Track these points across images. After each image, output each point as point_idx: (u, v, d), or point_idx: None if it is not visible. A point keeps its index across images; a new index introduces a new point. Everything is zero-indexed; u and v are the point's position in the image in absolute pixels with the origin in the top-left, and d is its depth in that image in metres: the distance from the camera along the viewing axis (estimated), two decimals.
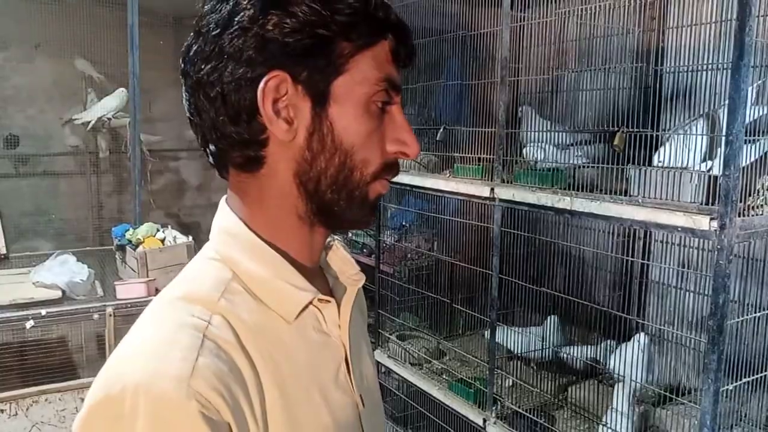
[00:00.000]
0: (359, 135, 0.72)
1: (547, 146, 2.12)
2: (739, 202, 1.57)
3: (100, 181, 4.67)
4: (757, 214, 1.63)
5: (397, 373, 2.75)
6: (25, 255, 3.34)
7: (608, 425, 1.97)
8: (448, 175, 2.45)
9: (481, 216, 2.40)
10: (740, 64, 1.51)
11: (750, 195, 1.69)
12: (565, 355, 2.52)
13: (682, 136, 1.80)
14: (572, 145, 2.23)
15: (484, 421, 2.32)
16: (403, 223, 3.05)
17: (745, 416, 1.99)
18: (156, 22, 4.52)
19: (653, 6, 2.25)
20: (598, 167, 1.94)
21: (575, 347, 2.52)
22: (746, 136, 1.56)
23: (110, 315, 2.60)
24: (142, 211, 3.86)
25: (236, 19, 0.69)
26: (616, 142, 1.83)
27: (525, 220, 2.27)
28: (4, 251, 3.18)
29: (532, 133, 2.25)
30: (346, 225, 0.81)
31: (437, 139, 2.45)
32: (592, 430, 2.16)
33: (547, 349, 2.52)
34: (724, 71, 1.76)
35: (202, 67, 0.71)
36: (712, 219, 1.58)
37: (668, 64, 2.26)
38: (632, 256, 2.52)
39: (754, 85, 1.67)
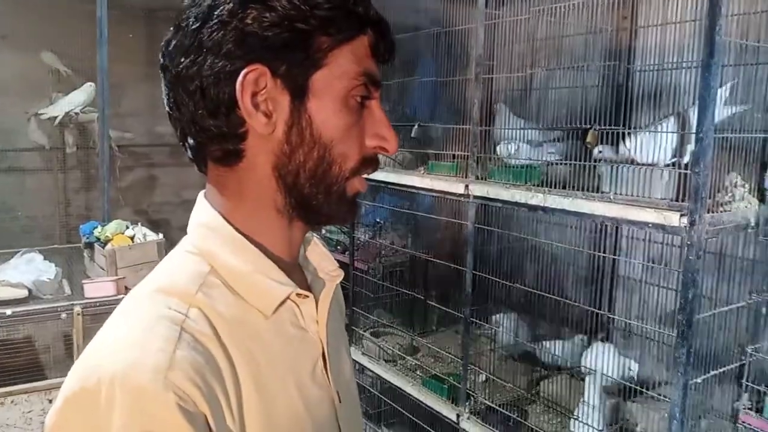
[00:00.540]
0: (338, 129, 0.72)
1: (520, 143, 2.13)
2: (708, 199, 1.60)
3: (67, 178, 4.57)
4: (725, 211, 1.67)
5: (371, 370, 2.74)
6: None
7: (580, 419, 1.99)
8: (422, 172, 2.45)
9: (455, 212, 2.41)
10: (710, 63, 1.53)
11: (718, 192, 1.72)
12: (537, 351, 2.54)
13: (651, 133, 1.83)
14: (546, 142, 2.25)
15: (458, 416, 2.33)
16: (377, 220, 3.05)
17: (712, 408, 2.03)
18: (126, 15, 4.43)
19: (625, 5, 2.28)
20: (570, 164, 1.95)
21: (546, 342, 2.54)
22: (716, 133, 1.59)
23: (78, 314, 2.54)
24: (111, 208, 3.80)
25: (216, 12, 0.69)
26: (588, 139, 1.85)
27: (498, 216, 2.29)
28: None
29: (506, 130, 2.27)
30: (325, 220, 0.81)
31: (412, 136, 2.45)
32: (563, 423, 2.19)
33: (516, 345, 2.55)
34: (694, 70, 1.79)
35: (182, 60, 0.71)
36: (682, 215, 1.60)
37: (639, 63, 2.29)
38: (602, 252, 2.55)
39: (727, 84, 1.70)
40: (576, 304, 2.23)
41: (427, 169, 2.44)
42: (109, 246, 2.76)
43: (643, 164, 1.77)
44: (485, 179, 2.18)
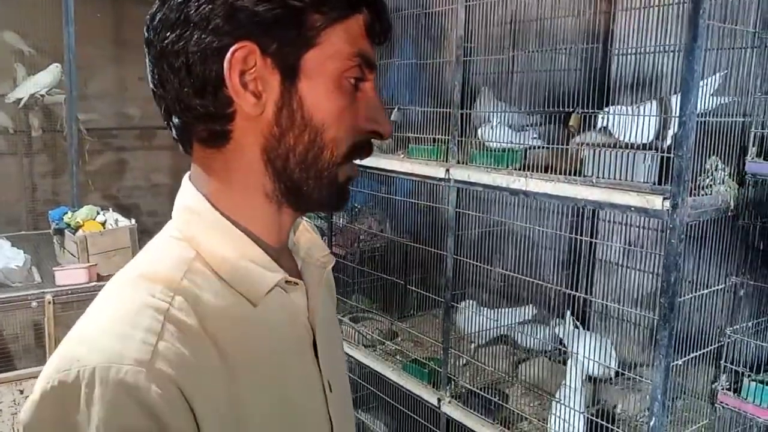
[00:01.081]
0: (330, 112, 0.69)
1: (501, 127, 2.12)
2: (689, 183, 1.61)
3: (32, 162, 4.45)
4: (706, 194, 1.68)
5: (350, 355, 2.73)
6: None
7: (562, 401, 2.00)
8: (402, 156, 2.42)
9: (432, 196, 2.40)
10: (694, 46, 1.53)
11: (699, 175, 1.73)
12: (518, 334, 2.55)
13: (629, 117, 1.83)
14: (529, 126, 2.24)
15: (439, 400, 2.34)
16: (355, 205, 3.03)
17: (686, 390, 2.06)
18: None
19: None
20: (551, 148, 1.95)
21: (526, 326, 2.56)
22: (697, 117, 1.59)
23: (49, 302, 2.48)
24: (80, 192, 3.70)
25: None
26: (571, 122, 1.84)
27: (476, 201, 2.29)
28: None
29: (487, 113, 2.25)
30: (315, 207, 0.78)
31: (391, 119, 2.42)
32: (544, 405, 2.20)
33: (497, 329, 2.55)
34: (676, 54, 1.80)
35: (167, 35, 0.67)
36: (665, 198, 1.61)
37: (620, 46, 2.29)
38: (581, 236, 2.56)
39: (718, 74, 1.70)
40: (554, 286, 2.24)
41: (407, 152, 2.41)
42: (80, 232, 2.69)
43: (623, 145, 1.76)
44: (466, 163, 2.17)
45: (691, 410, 1.92)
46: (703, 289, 1.75)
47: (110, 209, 3.01)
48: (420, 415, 2.44)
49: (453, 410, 2.29)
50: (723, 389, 1.75)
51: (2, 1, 3.89)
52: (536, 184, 1.92)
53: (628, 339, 2.49)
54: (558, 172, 1.89)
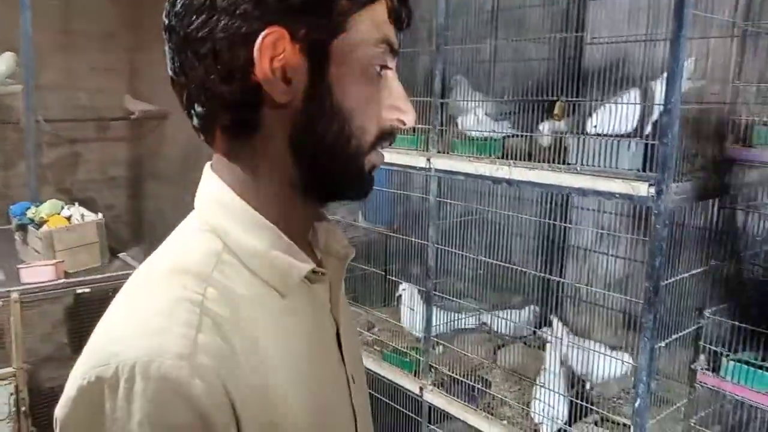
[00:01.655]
0: (358, 100, 0.69)
1: (482, 116, 2.13)
2: (673, 169, 1.65)
3: None
4: (688, 180, 1.72)
5: None
6: None
7: (544, 385, 2.04)
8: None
9: (406, 185, 2.40)
10: (679, 36, 1.57)
11: (681, 162, 1.78)
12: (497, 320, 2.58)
13: (612, 105, 1.86)
14: (510, 114, 2.26)
15: (421, 389, 2.35)
16: None
17: (665, 371, 2.13)
18: None
19: None
20: (530, 136, 1.97)
21: (503, 312, 2.59)
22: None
23: (16, 301, 2.38)
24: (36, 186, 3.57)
25: None
26: (555, 111, 1.87)
27: (450, 190, 2.30)
28: None
29: (465, 102, 2.26)
30: (341, 196, 0.77)
31: None
32: (524, 390, 2.24)
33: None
34: (655, 43, 1.84)
35: (191, 21, 0.66)
36: (650, 185, 1.65)
37: (596, 35, 2.33)
38: (558, 221, 2.61)
39: (690, 59, 1.75)
40: (528, 270, 2.27)
41: None
42: (44, 228, 2.59)
43: (608, 135, 1.80)
44: (447, 152, 2.17)
45: (670, 391, 1.98)
46: (685, 273, 1.80)
47: (75, 204, 2.91)
48: (401, 404, 2.45)
49: (435, 398, 2.31)
50: (702, 369, 1.81)
51: None
52: (520, 173, 1.94)
53: (601, 323, 2.55)
54: (539, 161, 1.92)
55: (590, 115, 1.82)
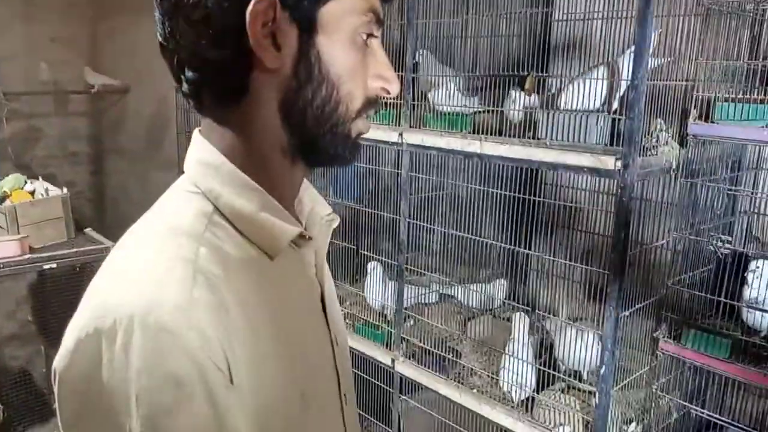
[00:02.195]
0: (345, 67, 0.71)
1: (453, 90, 2.15)
2: (639, 144, 1.70)
3: None
4: (652, 155, 1.78)
5: None
6: None
7: (513, 354, 2.10)
8: None
9: (376, 160, 2.41)
10: (647, 13, 1.61)
11: (645, 136, 1.83)
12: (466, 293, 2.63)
13: (581, 81, 1.90)
14: (481, 89, 2.28)
15: (393, 360, 2.39)
16: None
17: (627, 340, 2.20)
18: None
19: None
20: (497, 111, 2.00)
21: (471, 285, 2.64)
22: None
23: None
24: None
25: None
26: (527, 86, 1.90)
27: (417, 164, 2.32)
28: None
29: (435, 77, 2.28)
30: (328, 161, 0.79)
31: None
32: (494, 359, 2.29)
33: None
34: (622, 20, 1.88)
35: None
36: (617, 159, 1.70)
37: (561, 12, 2.36)
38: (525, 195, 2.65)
39: (653, 35, 1.79)
40: (496, 243, 2.31)
41: None
42: (7, 202, 2.54)
43: (577, 111, 1.84)
44: (419, 127, 2.19)
45: (633, 359, 2.05)
46: (649, 244, 1.86)
47: (40, 178, 2.85)
48: (374, 376, 2.49)
49: (407, 369, 2.35)
50: (664, 338, 1.88)
51: None
52: (491, 147, 1.97)
53: (567, 296, 2.62)
54: (510, 136, 1.95)
55: (560, 90, 1.85)
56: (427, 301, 2.64)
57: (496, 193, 2.51)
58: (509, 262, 2.78)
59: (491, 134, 2.02)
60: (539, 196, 2.63)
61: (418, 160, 2.26)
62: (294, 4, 0.67)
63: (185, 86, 0.72)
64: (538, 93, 2.00)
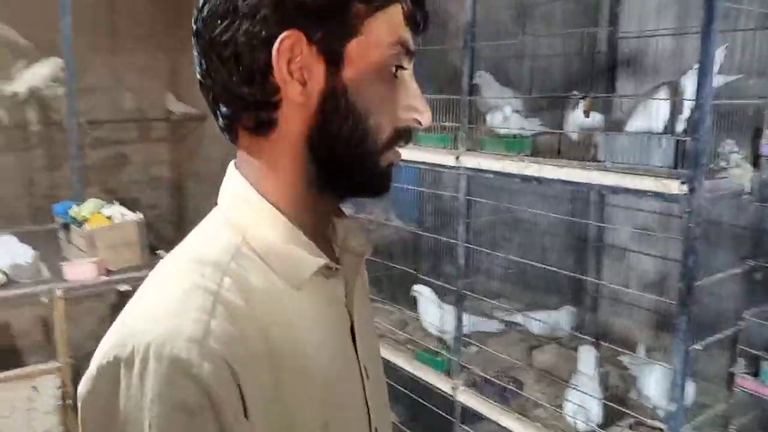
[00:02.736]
0: (372, 99, 0.72)
1: (509, 113, 2.11)
2: (705, 166, 1.60)
3: (29, 157, 4.40)
4: (722, 178, 1.67)
5: None
6: None
7: (578, 388, 2.01)
8: (412, 144, 2.40)
9: (437, 183, 2.39)
10: (710, 29, 1.52)
11: (714, 159, 1.73)
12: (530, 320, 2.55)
13: (643, 101, 1.82)
14: (541, 110, 2.23)
15: (453, 389, 2.34)
16: None
17: (696, 373, 2.06)
18: None
19: None
20: (555, 133, 1.94)
21: (536, 312, 2.56)
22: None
23: (60, 298, 2.46)
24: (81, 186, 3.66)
25: None
26: (583, 107, 1.83)
27: (480, 188, 2.28)
28: None
29: (492, 99, 2.24)
30: (358, 193, 0.80)
31: None
32: (559, 392, 2.20)
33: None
34: (680, 37, 1.79)
35: (216, 26, 0.70)
36: (682, 182, 1.60)
37: (626, 30, 2.28)
38: (590, 221, 2.56)
39: (719, 51, 1.69)
40: (561, 271, 2.23)
41: (415, 140, 2.40)
42: (86, 226, 2.67)
43: (639, 132, 1.76)
44: (476, 150, 2.15)
45: (707, 395, 1.92)
46: (721, 273, 1.75)
47: (116, 203, 2.99)
48: (434, 404, 2.44)
49: (468, 398, 2.29)
50: (740, 373, 1.75)
51: None
52: (550, 171, 1.91)
53: (638, 324, 2.50)
54: (569, 158, 1.89)
55: (621, 111, 1.78)
56: (489, 328, 2.57)
57: (561, 218, 2.44)
58: (577, 289, 2.69)
59: (551, 157, 1.96)
60: (606, 219, 2.54)
61: (482, 183, 2.22)
62: (320, 39, 0.69)
63: (220, 121, 0.76)
64: (599, 113, 1.92)
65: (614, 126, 1.80)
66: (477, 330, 2.50)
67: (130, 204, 4.55)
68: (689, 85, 1.66)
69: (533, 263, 2.21)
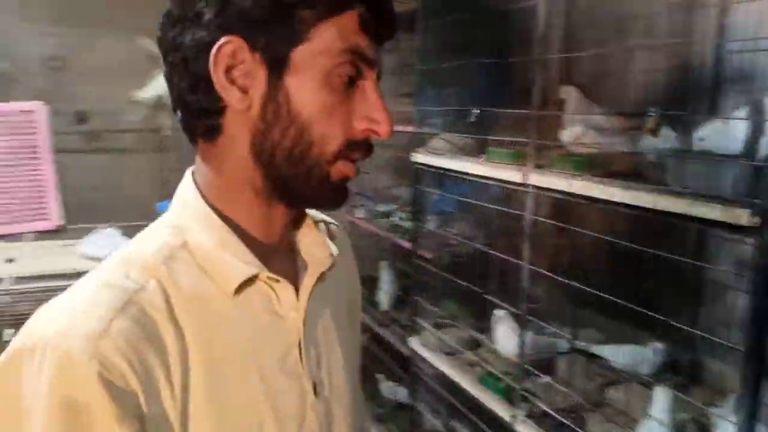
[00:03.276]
0: (316, 108, 0.70)
1: (587, 130, 1.96)
2: None
3: (163, 159, 4.79)
4: None
5: (428, 361, 2.67)
6: (82, 228, 3.45)
7: None
8: (482, 159, 2.32)
9: (513, 201, 2.28)
10: None
11: None
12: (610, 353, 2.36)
13: (719, 121, 1.62)
14: (634, 129, 2.07)
15: (513, 417, 2.21)
16: (447, 210, 2.95)
17: None
18: None
19: None
20: (629, 152, 1.78)
21: (615, 346, 2.36)
22: None
23: None
24: None
25: None
26: (649, 125, 1.66)
27: (564, 208, 2.13)
28: (62, 222, 3.29)
29: (573, 115, 2.10)
30: (307, 203, 0.80)
31: (470, 121, 2.32)
32: None
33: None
34: None
35: (169, 30, 0.71)
36: (753, 214, 1.40)
37: (730, 43, 2.04)
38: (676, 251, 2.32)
39: None
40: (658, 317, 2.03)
41: (487, 155, 2.31)
42: None
43: (713, 156, 1.57)
44: (546, 168, 2.03)
45: None
46: None
47: None
48: (493, 431, 2.33)
49: (527, 430, 2.16)
50: None
51: (135, 7, 4.22)
52: (615, 193, 1.75)
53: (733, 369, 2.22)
54: (641, 181, 1.72)
55: (694, 131, 1.60)
56: (562, 357, 2.41)
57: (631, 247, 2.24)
58: (669, 324, 2.44)
59: (627, 178, 1.79)
60: (705, 251, 2.29)
61: (544, 203, 2.09)
62: (263, 47, 0.68)
63: (181, 126, 0.77)
64: (673, 132, 1.74)
65: (688, 147, 1.61)
66: (550, 357, 2.35)
67: None
68: None
69: (612, 297, 2.04)
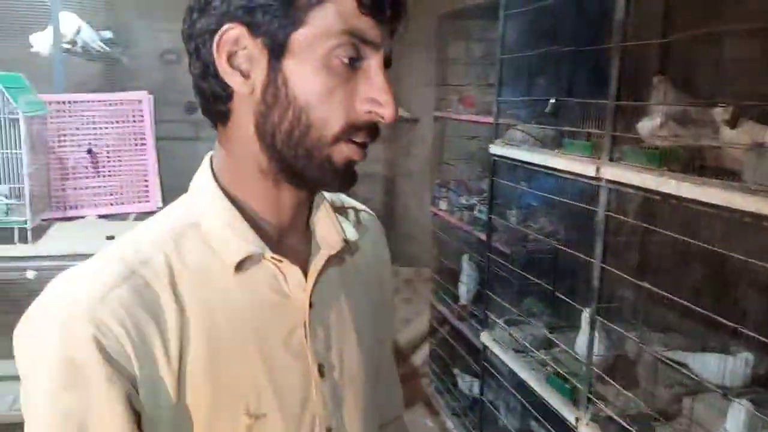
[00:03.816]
0: (315, 91, 0.71)
1: (661, 121, 1.84)
2: None
3: None
4: None
5: (499, 358, 2.62)
6: None
7: None
8: (558, 151, 2.24)
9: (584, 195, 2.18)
10: None
11: None
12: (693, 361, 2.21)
13: None
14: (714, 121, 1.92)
15: (577, 420, 2.13)
16: (530, 203, 2.88)
17: None
18: None
19: None
20: (711, 146, 1.65)
21: (701, 354, 2.21)
22: None
23: None
24: None
25: None
26: (725, 116, 1.54)
27: (648, 205, 2.01)
28: (161, 205, 3.51)
29: (655, 106, 1.98)
30: (312, 185, 0.80)
31: (546, 111, 2.24)
32: None
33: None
34: None
35: (187, 21, 0.75)
36: None
37: None
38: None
39: None
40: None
41: (562, 147, 2.23)
42: None
43: None
44: (620, 161, 1.93)
45: None
46: None
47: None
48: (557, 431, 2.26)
49: None
50: None
51: None
52: (687, 189, 1.63)
53: None
54: (717, 176, 1.60)
55: None
56: (641, 361, 2.28)
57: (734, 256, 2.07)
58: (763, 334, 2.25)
59: (702, 174, 1.67)
60: None
61: (621, 198, 1.98)
62: (264, 32, 0.70)
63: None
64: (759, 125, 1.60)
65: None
66: (630, 360, 2.24)
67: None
68: None
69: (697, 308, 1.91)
